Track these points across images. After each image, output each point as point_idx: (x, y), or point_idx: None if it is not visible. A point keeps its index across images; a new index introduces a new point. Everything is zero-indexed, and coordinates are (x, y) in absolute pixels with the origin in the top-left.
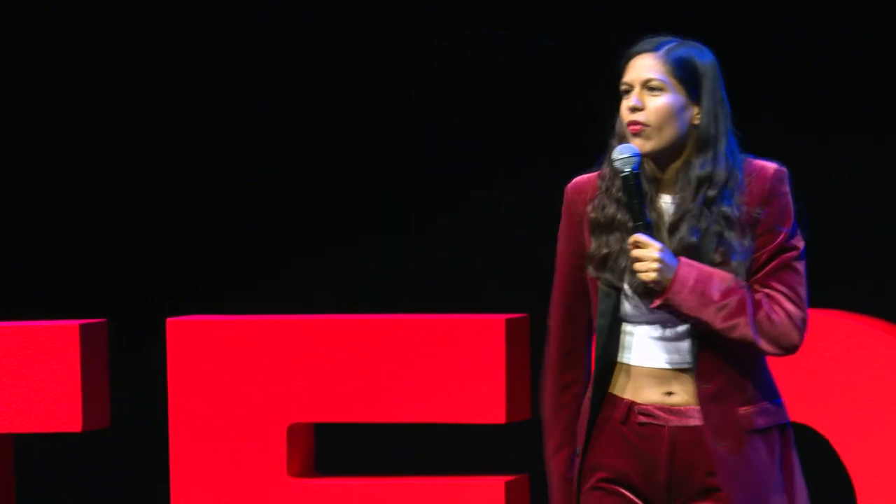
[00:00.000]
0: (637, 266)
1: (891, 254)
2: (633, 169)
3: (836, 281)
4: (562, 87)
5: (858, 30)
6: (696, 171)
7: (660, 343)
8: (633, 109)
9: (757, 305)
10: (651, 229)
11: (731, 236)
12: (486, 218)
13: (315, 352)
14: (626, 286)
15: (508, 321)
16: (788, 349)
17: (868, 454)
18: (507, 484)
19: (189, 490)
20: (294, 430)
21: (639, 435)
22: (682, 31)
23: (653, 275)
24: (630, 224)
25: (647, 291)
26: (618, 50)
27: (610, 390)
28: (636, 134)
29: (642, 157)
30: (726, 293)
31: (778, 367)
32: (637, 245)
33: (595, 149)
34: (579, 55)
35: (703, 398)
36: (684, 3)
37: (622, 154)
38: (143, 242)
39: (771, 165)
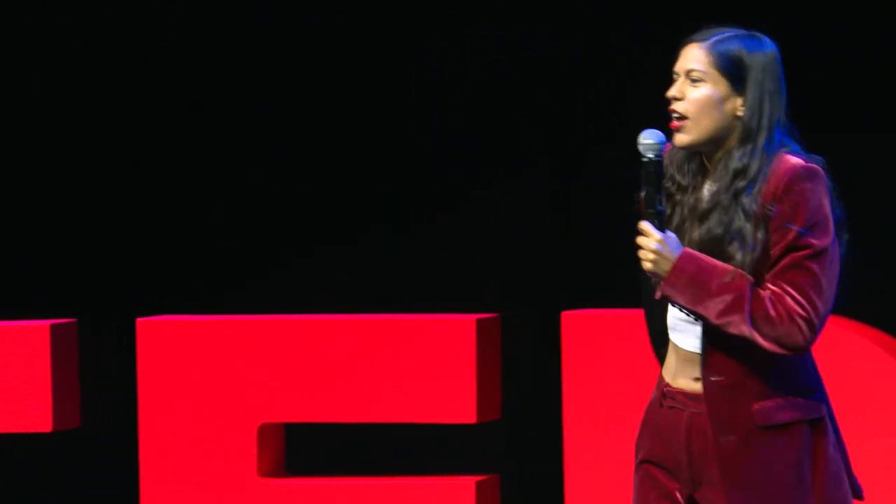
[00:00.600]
0: (640, 253)
1: (858, 253)
2: (655, 157)
3: None
4: (562, 86)
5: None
6: (735, 162)
7: (687, 325)
8: (674, 98)
9: (759, 302)
10: (663, 217)
11: (747, 228)
12: (486, 218)
13: (286, 352)
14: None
15: (479, 321)
16: (793, 349)
17: None
18: (478, 484)
19: (159, 490)
20: (264, 431)
21: (668, 418)
22: (680, 30)
23: (648, 265)
24: (645, 204)
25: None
26: (617, 50)
27: (662, 371)
28: (676, 129)
29: (685, 148)
30: (724, 288)
31: None
32: (641, 233)
33: (595, 147)
34: (579, 55)
35: (711, 390)
36: (684, 3)
37: (646, 139)
38: (114, 242)
39: (796, 161)
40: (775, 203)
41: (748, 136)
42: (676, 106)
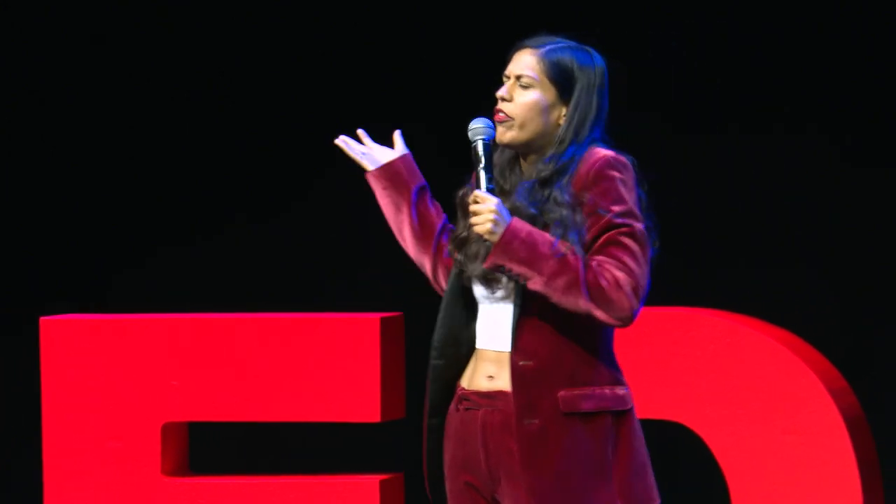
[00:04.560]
0: (474, 220)
1: (762, 253)
2: (485, 139)
3: (708, 279)
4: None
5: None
6: (553, 164)
7: (493, 325)
8: (502, 99)
9: (588, 267)
10: (493, 194)
11: (566, 215)
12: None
13: (189, 350)
14: (470, 268)
15: (383, 320)
16: (621, 317)
17: (741, 452)
18: (382, 483)
19: (63, 489)
20: (168, 429)
21: (463, 421)
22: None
23: (489, 225)
24: (477, 182)
25: (483, 262)
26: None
27: (458, 380)
28: (500, 122)
29: (505, 146)
30: (557, 249)
31: (650, 364)
32: (476, 200)
33: None
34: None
35: (518, 374)
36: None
37: (476, 125)
38: (16, 241)
39: (606, 152)
40: (587, 190)
41: (564, 142)
42: (504, 107)
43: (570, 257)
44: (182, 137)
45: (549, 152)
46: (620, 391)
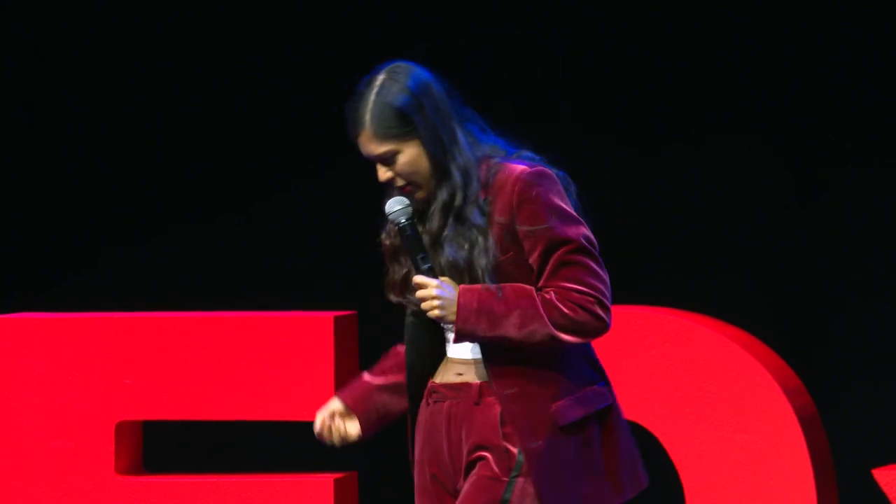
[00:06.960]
0: (423, 306)
1: (716, 252)
2: (407, 220)
3: (663, 279)
4: None
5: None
6: (441, 200)
7: (460, 345)
8: (389, 179)
9: (549, 305)
10: (433, 272)
11: (481, 240)
12: (343, 214)
13: (142, 349)
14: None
15: (337, 318)
16: (596, 333)
17: (696, 450)
18: (336, 481)
19: (16, 488)
20: (122, 428)
21: (431, 413)
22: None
23: (437, 311)
24: (413, 266)
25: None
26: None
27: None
28: (406, 193)
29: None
30: (512, 305)
31: (604, 363)
32: (418, 286)
33: None
34: None
35: (508, 402)
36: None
37: (393, 207)
38: None
39: (521, 169)
40: (514, 216)
41: (438, 168)
42: (397, 180)
43: (525, 302)
44: (130, 137)
45: (439, 189)
46: (598, 386)
